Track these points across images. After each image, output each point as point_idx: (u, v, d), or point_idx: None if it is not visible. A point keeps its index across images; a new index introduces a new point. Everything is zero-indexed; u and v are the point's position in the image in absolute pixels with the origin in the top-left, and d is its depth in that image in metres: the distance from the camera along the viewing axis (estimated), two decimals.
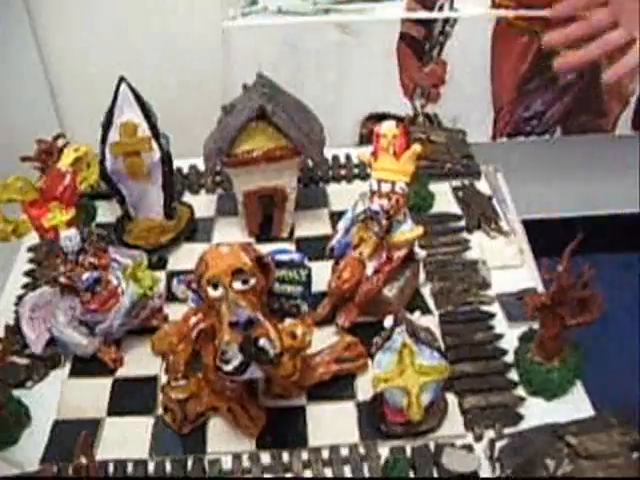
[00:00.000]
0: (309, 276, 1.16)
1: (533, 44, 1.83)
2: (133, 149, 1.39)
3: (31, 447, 1.19)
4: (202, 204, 1.64)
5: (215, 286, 1.04)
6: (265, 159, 1.39)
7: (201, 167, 1.71)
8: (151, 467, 1.15)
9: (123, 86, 1.37)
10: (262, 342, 1.01)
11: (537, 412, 1.20)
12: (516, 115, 1.97)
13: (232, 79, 1.80)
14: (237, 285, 1.04)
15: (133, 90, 1.38)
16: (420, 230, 1.29)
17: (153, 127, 1.40)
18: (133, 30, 1.81)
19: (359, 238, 1.28)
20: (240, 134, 1.38)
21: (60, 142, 1.54)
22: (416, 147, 1.25)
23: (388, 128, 1.26)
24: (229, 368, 1.01)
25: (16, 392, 1.25)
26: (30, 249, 1.54)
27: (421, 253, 1.34)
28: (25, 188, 1.19)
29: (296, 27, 1.79)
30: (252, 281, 1.05)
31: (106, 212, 1.64)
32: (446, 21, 1.78)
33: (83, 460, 0.98)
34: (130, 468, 1.15)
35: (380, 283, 1.28)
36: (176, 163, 1.51)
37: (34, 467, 1.15)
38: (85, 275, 1.22)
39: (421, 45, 1.74)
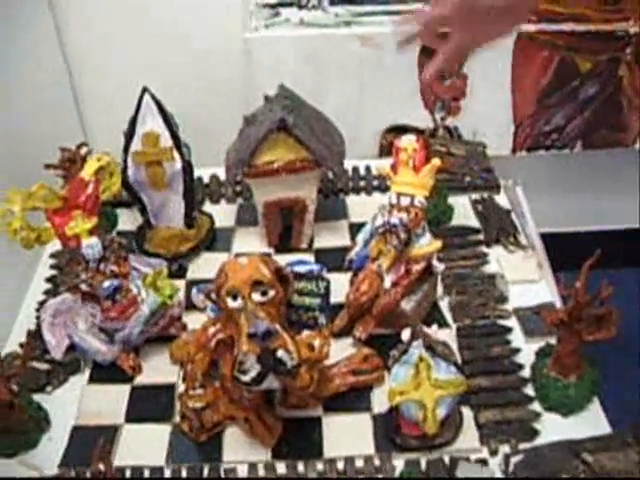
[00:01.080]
0: (328, 288, 1.17)
1: (554, 58, 1.83)
2: (155, 159, 1.41)
3: (50, 451, 1.20)
4: (222, 214, 1.65)
5: (234, 297, 1.05)
6: (286, 170, 1.40)
7: (222, 176, 1.73)
8: (167, 474, 1.16)
9: (146, 96, 1.39)
10: (280, 353, 1.02)
11: (553, 428, 1.20)
12: (536, 129, 1.96)
13: (253, 90, 1.81)
14: (256, 296, 1.05)
15: (156, 100, 1.40)
16: (438, 244, 1.30)
17: (175, 137, 1.42)
18: (156, 40, 1.82)
19: (378, 251, 1.28)
20: (261, 145, 1.39)
21: (83, 150, 1.57)
22: (435, 161, 1.25)
23: (408, 142, 1.27)
24: (247, 378, 1.02)
25: (36, 397, 1.27)
26: (52, 255, 1.56)
27: (439, 266, 1.34)
28: (49, 196, 1.21)
29: (318, 39, 1.79)
30: (271, 293, 1.06)
31: (127, 220, 1.66)
32: None
33: (101, 466, 0.99)
34: (147, 474, 1.16)
35: (398, 296, 1.29)
36: (197, 172, 1.52)
37: (52, 471, 1.17)
38: (106, 283, 1.23)
39: None
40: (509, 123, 1.96)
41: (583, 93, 1.91)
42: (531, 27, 1.78)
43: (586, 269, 1.16)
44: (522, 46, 1.78)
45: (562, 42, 1.76)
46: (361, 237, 1.33)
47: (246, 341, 1.01)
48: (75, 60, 1.86)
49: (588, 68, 1.86)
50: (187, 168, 1.44)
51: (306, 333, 1.14)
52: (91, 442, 1.18)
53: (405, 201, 1.25)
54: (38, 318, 1.37)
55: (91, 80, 1.90)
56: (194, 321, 1.37)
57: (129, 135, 1.41)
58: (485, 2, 1.16)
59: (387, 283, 1.29)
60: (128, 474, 1.15)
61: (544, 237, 1.75)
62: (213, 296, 1.09)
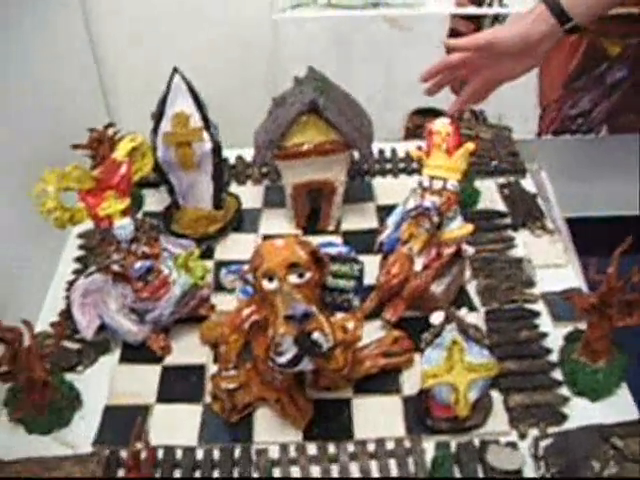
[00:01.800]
0: (361, 271, 1.16)
1: (582, 41, 1.82)
2: (185, 140, 1.41)
3: (83, 430, 1.21)
4: (249, 195, 1.66)
5: (270, 279, 1.05)
6: (315, 152, 1.40)
7: (248, 158, 1.73)
8: (199, 454, 1.17)
9: (176, 77, 1.39)
10: (316, 335, 1.02)
11: (581, 413, 1.20)
12: (562, 113, 1.95)
13: (280, 71, 1.81)
14: (292, 278, 1.05)
15: (186, 81, 1.40)
16: (470, 227, 1.30)
17: (205, 118, 1.42)
18: (183, 21, 1.82)
19: (409, 234, 1.28)
20: (291, 127, 1.39)
21: (110, 131, 1.57)
22: (469, 145, 1.25)
23: (442, 125, 1.26)
24: (283, 360, 1.03)
25: (67, 376, 1.28)
26: (81, 235, 1.57)
27: (469, 250, 1.34)
28: (83, 177, 1.21)
29: (345, 20, 1.79)
30: (307, 275, 1.06)
31: (153, 201, 1.66)
32: (495, 17, 1.78)
33: (139, 445, 1.00)
34: (179, 454, 1.17)
35: (428, 279, 1.29)
36: (223, 153, 1.51)
37: (87, 449, 1.18)
38: (138, 264, 1.24)
39: None
40: (535, 107, 1.95)
41: (610, 77, 1.89)
42: None
43: (617, 255, 1.16)
44: None
45: (591, 27, 1.75)
46: (392, 220, 1.33)
47: (283, 323, 1.01)
48: (102, 42, 1.85)
49: (616, 52, 1.85)
50: (216, 149, 1.44)
51: (339, 315, 1.14)
52: (123, 421, 1.21)
53: (438, 184, 1.25)
54: (68, 298, 1.38)
55: (117, 61, 1.90)
56: (222, 302, 1.38)
57: (158, 116, 1.42)
58: (501, 48, 1.29)
59: (418, 266, 1.29)
60: (161, 454, 1.16)
61: (569, 221, 1.75)
62: (248, 277, 1.09)
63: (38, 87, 1.54)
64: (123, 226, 1.23)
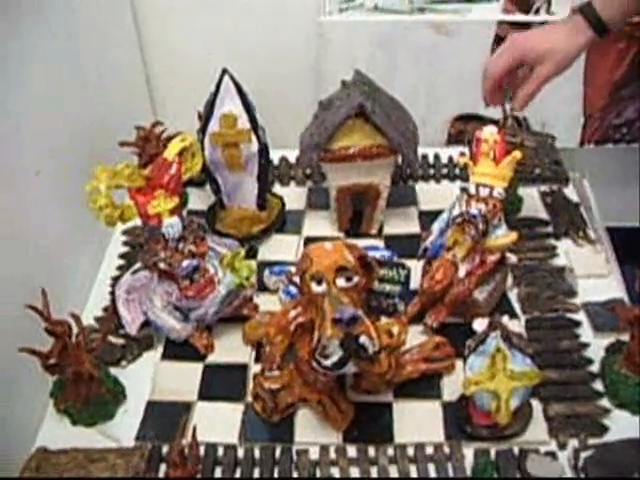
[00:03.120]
0: (408, 276, 1.17)
1: (630, 50, 1.80)
2: (233, 140, 1.42)
3: (126, 424, 1.23)
4: (292, 196, 1.67)
5: (319, 282, 1.06)
6: (362, 156, 1.41)
7: (291, 159, 1.74)
8: (240, 452, 1.18)
9: (226, 78, 1.40)
10: (363, 339, 1.03)
11: (623, 425, 1.20)
12: (606, 122, 1.94)
13: (326, 74, 1.82)
14: (340, 282, 1.06)
15: (235, 82, 1.41)
16: (514, 236, 1.30)
17: (253, 119, 1.43)
18: (230, 22, 1.83)
19: (454, 240, 1.29)
20: (338, 130, 1.40)
21: (158, 129, 1.59)
22: (516, 154, 1.25)
23: (490, 133, 1.27)
24: (328, 363, 1.04)
25: (112, 370, 1.30)
26: (125, 232, 1.59)
27: (512, 258, 1.35)
28: (133, 175, 1.23)
29: (391, 25, 1.79)
30: (355, 279, 1.07)
31: (197, 199, 1.68)
32: (542, 24, 1.77)
33: (184, 441, 1.01)
34: (220, 452, 1.18)
35: (472, 286, 1.29)
36: None
37: (130, 443, 1.20)
38: (185, 263, 1.25)
39: None
40: (578, 115, 1.94)
41: None
42: None
43: None
44: None
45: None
46: (437, 226, 1.34)
47: (330, 326, 1.02)
48: (149, 40, 1.87)
49: None
50: (263, 151, 1.45)
51: (385, 320, 1.15)
52: (165, 417, 1.23)
53: (484, 192, 1.25)
54: (112, 294, 1.40)
55: (163, 60, 1.91)
56: (265, 302, 1.40)
57: (207, 116, 1.43)
58: (533, 60, 1.34)
59: (461, 272, 1.29)
60: (202, 451, 1.17)
61: (610, 231, 1.74)
62: (295, 279, 1.10)
63: (86, 82, 1.56)
64: (171, 224, 1.24)
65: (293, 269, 1.14)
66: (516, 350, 1.12)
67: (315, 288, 1.06)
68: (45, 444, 1.18)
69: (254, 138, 1.43)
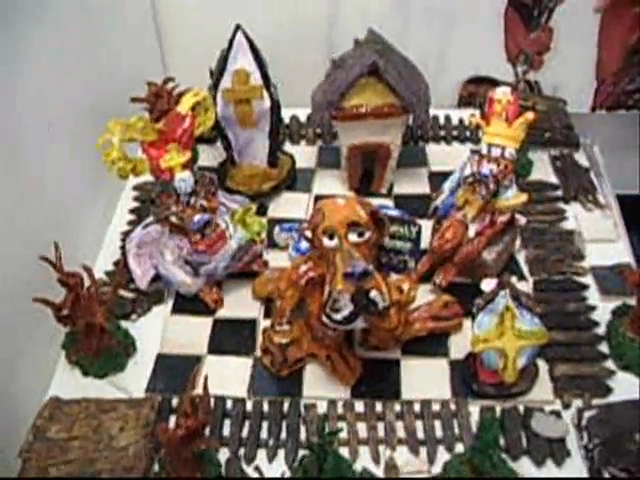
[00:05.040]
0: (419, 233, 1.18)
1: None
2: (245, 96, 1.42)
3: (136, 376, 1.25)
4: (303, 155, 1.67)
5: (331, 236, 1.07)
6: (373, 115, 1.41)
7: (302, 118, 1.74)
8: (249, 405, 1.20)
9: (239, 34, 1.40)
10: (373, 294, 1.03)
11: (626, 387, 1.21)
12: (619, 87, 1.92)
13: (338, 33, 1.81)
14: (352, 237, 1.06)
15: (248, 39, 1.40)
16: (524, 197, 1.30)
17: (265, 76, 1.43)
18: None
19: (464, 200, 1.29)
20: (350, 89, 1.39)
21: (169, 85, 1.58)
22: (529, 114, 1.25)
23: (503, 94, 1.26)
24: (338, 317, 1.04)
25: (122, 323, 1.31)
26: (136, 187, 1.60)
27: (522, 220, 1.35)
28: (146, 129, 1.23)
29: None
30: (367, 234, 1.07)
31: (207, 156, 1.68)
32: None
33: (196, 392, 1.02)
34: (229, 405, 1.20)
35: (481, 246, 1.30)
36: None
37: (140, 394, 1.22)
38: (196, 217, 1.26)
39: (530, 10, 1.71)
40: (591, 80, 1.92)
41: None
42: None
43: None
44: (614, 1, 1.74)
45: None
46: (447, 185, 1.34)
47: (342, 280, 1.03)
48: None
49: None
50: (275, 108, 1.45)
51: (395, 276, 1.16)
52: (175, 370, 1.25)
53: (496, 152, 1.25)
54: (123, 248, 1.41)
55: (174, 17, 1.90)
56: (275, 259, 1.41)
57: (219, 72, 1.43)
58: None
59: (471, 232, 1.30)
60: (211, 403, 1.18)
61: (619, 198, 1.73)
62: (307, 234, 1.10)
63: (98, 38, 1.56)
64: (184, 179, 1.24)
65: (303, 226, 1.15)
66: (525, 309, 1.13)
67: (327, 243, 1.07)
68: (57, 394, 1.20)
69: (266, 95, 1.43)
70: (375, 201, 1.43)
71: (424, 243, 1.34)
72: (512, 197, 1.30)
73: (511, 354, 1.13)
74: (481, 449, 1.03)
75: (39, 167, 1.31)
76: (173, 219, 1.27)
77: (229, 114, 1.44)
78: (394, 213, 1.18)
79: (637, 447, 1.09)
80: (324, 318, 1.07)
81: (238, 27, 1.40)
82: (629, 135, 2.03)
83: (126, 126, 1.21)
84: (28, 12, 1.27)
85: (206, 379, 1.02)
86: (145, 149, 1.25)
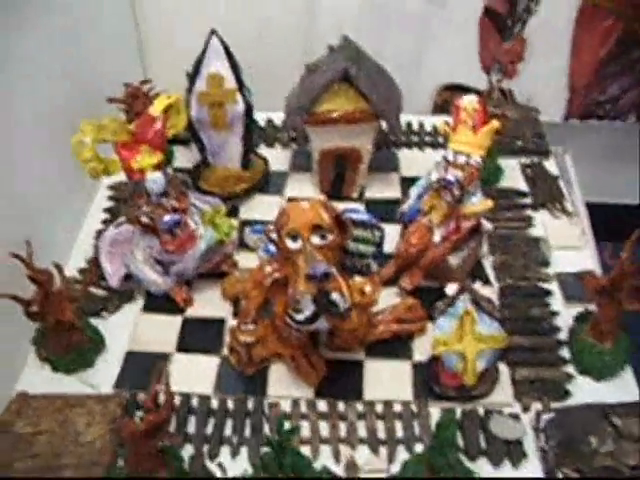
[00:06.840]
0: (382, 237, 1.20)
1: (617, 27, 1.82)
2: (218, 100, 1.44)
3: (105, 372, 1.27)
4: (276, 158, 1.69)
5: (294, 238, 1.09)
6: (345, 120, 1.43)
7: (278, 122, 1.76)
8: (214, 403, 1.22)
9: (214, 38, 1.42)
10: (334, 296, 1.05)
11: (585, 391, 1.24)
12: (591, 98, 1.96)
13: (314, 38, 1.83)
14: (315, 240, 1.08)
15: (223, 43, 1.42)
16: (490, 203, 1.32)
17: (239, 80, 1.45)
18: None
19: (430, 205, 1.31)
20: (322, 94, 1.42)
21: (146, 87, 1.60)
22: (494, 123, 1.27)
23: (469, 102, 1.28)
24: (300, 317, 1.07)
25: (92, 321, 1.33)
26: (111, 187, 1.61)
27: (488, 226, 1.37)
28: (119, 130, 1.24)
29: None
30: (330, 237, 1.09)
31: (183, 158, 1.70)
32: None
33: (158, 387, 1.04)
34: (195, 402, 1.22)
35: (446, 251, 1.32)
36: (254, 116, 1.54)
37: (108, 390, 1.23)
38: (166, 217, 1.27)
39: (504, 20, 1.75)
40: (564, 90, 1.96)
41: None
42: None
43: (633, 240, 1.18)
44: (586, 13, 1.77)
45: (628, 12, 1.75)
46: (414, 191, 1.37)
47: (304, 281, 1.05)
48: (141, 1, 1.88)
49: None
50: (248, 111, 1.47)
51: (358, 279, 1.18)
52: (143, 367, 1.26)
53: (461, 159, 1.27)
54: (96, 246, 1.43)
55: (154, 21, 1.92)
56: (245, 260, 1.43)
57: (194, 75, 1.44)
58: None
59: (437, 237, 1.32)
60: (177, 400, 1.20)
61: (589, 206, 1.77)
62: (272, 236, 1.12)
63: (79, 40, 1.57)
64: (155, 180, 1.26)
65: (269, 228, 1.17)
66: (484, 314, 1.15)
67: (290, 244, 1.09)
68: (26, 389, 1.21)
69: (240, 98, 1.45)
70: (346, 205, 1.48)
71: (392, 247, 1.37)
72: (478, 203, 1.32)
73: (470, 357, 1.15)
74: (438, 448, 1.05)
75: (13, 165, 1.32)
76: (144, 219, 1.28)
77: (203, 117, 1.46)
78: (359, 217, 1.19)
79: (590, 449, 1.12)
80: (287, 319, 1.09)
81: (213, 32, 1.42)
82: (601, 144, 2.07)
83: (98, 127, 1.23)
84: (6, 14, 1.28)
85: (168, 375, 1.04)
86: (117, 150, 1.26)
